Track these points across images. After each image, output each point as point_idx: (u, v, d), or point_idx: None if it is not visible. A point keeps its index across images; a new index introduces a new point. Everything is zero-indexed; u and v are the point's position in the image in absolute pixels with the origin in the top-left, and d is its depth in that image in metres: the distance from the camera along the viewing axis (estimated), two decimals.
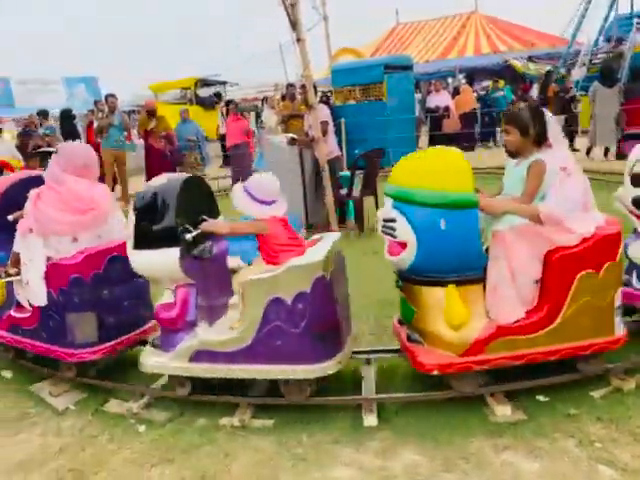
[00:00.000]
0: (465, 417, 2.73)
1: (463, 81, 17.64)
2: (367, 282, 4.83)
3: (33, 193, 3.41)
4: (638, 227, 3.30)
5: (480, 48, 22.18)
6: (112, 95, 9.77)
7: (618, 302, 2.84)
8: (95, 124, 9.99)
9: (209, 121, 14.05)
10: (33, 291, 3.39)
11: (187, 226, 2.95)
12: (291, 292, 2.75)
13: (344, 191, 6.84)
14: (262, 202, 2.97)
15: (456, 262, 2.71)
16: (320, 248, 2.92)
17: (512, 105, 13.88)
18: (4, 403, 3.37)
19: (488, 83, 16.49)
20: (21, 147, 7.79)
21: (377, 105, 11.75)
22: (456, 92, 14.19)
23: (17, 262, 3.54)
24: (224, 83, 18.98)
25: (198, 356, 2.94)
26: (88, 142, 10.36)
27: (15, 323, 3.61)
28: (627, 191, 3.26)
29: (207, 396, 3.07)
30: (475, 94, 15.19)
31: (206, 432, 2.84)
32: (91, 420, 3.08)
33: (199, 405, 3.07)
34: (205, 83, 17.88)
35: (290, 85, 10.62)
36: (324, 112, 6.73)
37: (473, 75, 19.43)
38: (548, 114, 2.97)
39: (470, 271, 2.75)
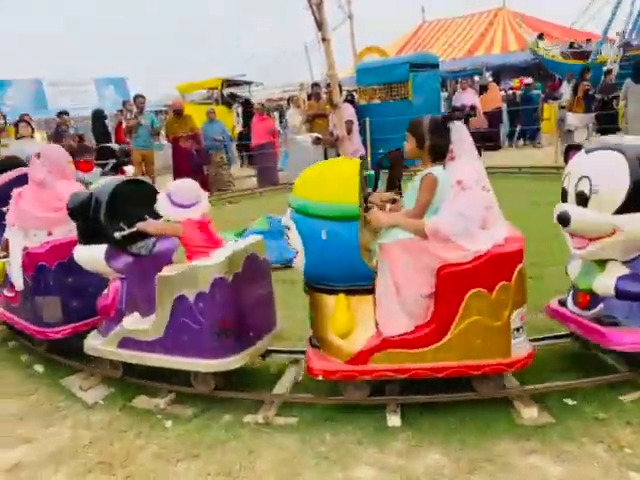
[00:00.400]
0: (491, 419, 2.70)
1: (490, 79, 17.43)
2: None
3: (16, 192, 3.90)
4: (569, 244, 2.98)
5: (508, 45, 21.88)
6: (141, 96, 9.94)
7: (517, 323, 2.73)
8: (124, 124, 10.16)
9: (234, 121, 14.17)
10: (14, 276, 3.87)
11: (122, 225, 3.29)
12: (193, 291, 2.94)
13: (368, 190, 6.82)
14: (180, 206, 3.13)
15: (343, 272, 2.74)
16: (225, 251, 3.05)
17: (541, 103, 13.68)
18: (36, 396, 3.46)
19: (514, 81, 16.31)
20: None
21: (402, 104, 11.67)
22: (483, 90, 13.99)
23: (6, 247, 4.04)
24: (249, 83, 19.09)
25: (124, 343, 3.24)
26: (117, 141, 10.57)
27: (7, 301, 4.14)
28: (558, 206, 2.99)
29: (232, 392, 3.12)
30: (503, 92, 15.00)
31: (231, 428, 2.87)
32: (119, 415, 3.15)
33: (224, 402, 3.11)
34: (231, 83, 18.02)
35: (315, 84, 10.63)
36: (349, 111, 6.74)
37: (500, 73, 19.20)
38: (458, 127, 2.87)
39: (360, 281, 2.76)
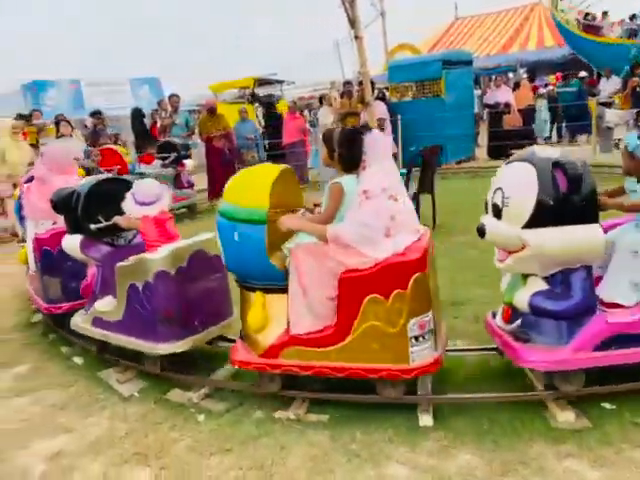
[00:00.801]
0: (525, 421, 2.66)
1: (524, 76, 17.06)
2: None
3: (25, 187, 4.67)
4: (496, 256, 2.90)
5: (544, 40, 21.36)
6: (175, 95, 10.11)
7: (416, 332, 2.73)
8: (159, 123, 10.35)
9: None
10: (29, 259, 4.60)
11: (99, 218, 3.80)
12: (141, 280, 3.33)
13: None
14: (141, 203, 3.57)
15: (257, 271, 2.96)
16: (171, 246, 3.41)
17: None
18: (76, 388, 3.58)
19: (549, 77, 15.89)
20: (92, 146, 8.30)
21: (435, 101, 11.54)
22: (515, 87, 13.74)
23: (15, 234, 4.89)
24: (281, 82, 19.17)
25: (95, 322, 3.73)
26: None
27: (29, 280, 4.91)
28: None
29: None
30: (543, 89, 14.65)
31: (263, 424, 2.91)
32: (154, 407, 3.22)
33: (255, 397, 3.15)
34: (263, 82, 18.13)
35: (347, 82, 10.61)
36: (381, 109, 6.70)
37: (535, 69, 18.77)
38: (371, 137, 2.92)
39: (275, 281, 2.94)
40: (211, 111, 10.38)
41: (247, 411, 3.05)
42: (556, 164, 2.60)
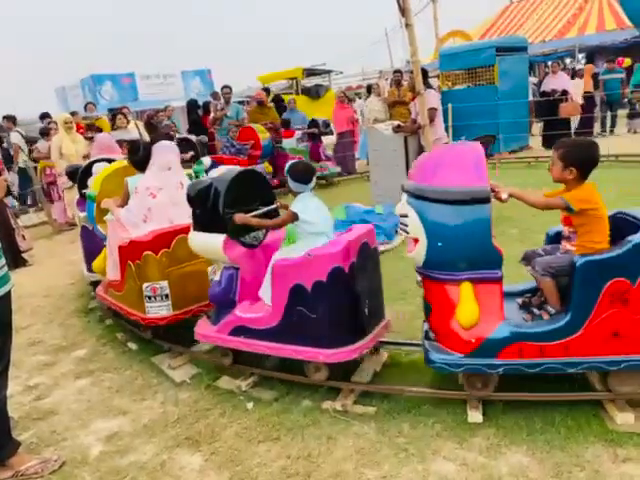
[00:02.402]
0: (581, 422, 2.57)
1: (583, 61, 16.30)
2: None
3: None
4: None
5: (604, 24, 20.31)
6: (227, 86, 10.22)
7: (148, 292, 3.78)
8: (212, 114, 10.52)
9: (315, 110, 14.24)
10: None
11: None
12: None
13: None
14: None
15: None
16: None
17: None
18: (131, 372, 3.73)
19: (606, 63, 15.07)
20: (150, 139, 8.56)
21: (487, 89, 11.22)
22: (574, 75, 13.13)
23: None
24: (329, 72, 19.12)
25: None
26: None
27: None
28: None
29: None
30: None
31: (310, 414, 2.94)
32: (204, 394, 3.31)
33: (303, 387, 3.18)
34: (311, 72, 18.13)
35: (396, 71, 10.45)
36: (433, 98, 6.55)
37: (595, 54, 17.90)
38: (159, 146, 4.07)
39: None
40: (260, 103, 10.47)
41: (295, 400, 3.09)
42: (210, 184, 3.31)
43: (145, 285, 3.74)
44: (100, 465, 2.75)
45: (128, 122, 8.94)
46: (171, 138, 8.06)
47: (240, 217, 3.24)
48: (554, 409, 2.67)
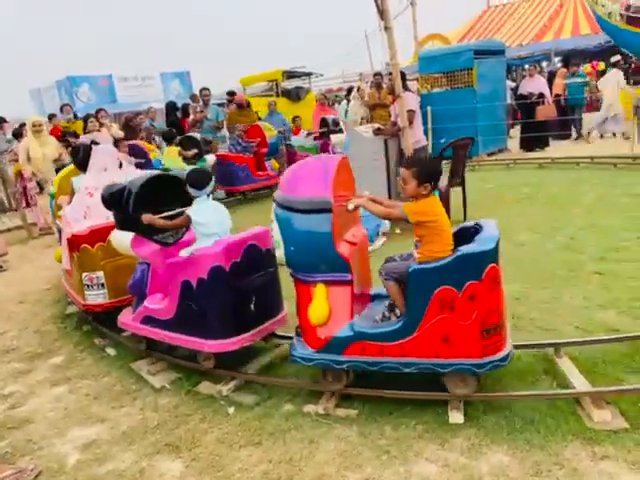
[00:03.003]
0: (559, 421, 2.60)
1: (559, 65, 16.58)
2: None
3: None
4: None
5: (579, 29, 20.72)
6: (206, 89, 10.17)
7: (86, 282, 4.27)
8: (191, 117, 10.45)
9: (295, 112, 14.22)
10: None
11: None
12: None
13: None
14: None
15: None
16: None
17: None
18: (109, 378, 3.67)
19: (585, 67, 15.38)
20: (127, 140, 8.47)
21: (466, 92, 11.35)
22: (551, 77, 13.35)
23: None
24: (309, 74, 19.12)
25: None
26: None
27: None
28: None
29: (291, 381, 3.17)
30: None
31: (292, 417, 2.92)
32: (185, 399, 3.27)
33: (284, 391, 3.16)
34: (291, 75, 18.11)
35: (377, 74, 10.51)
36: (411, 100, 6.59)
37: (570, 58, 18.22)
38: (96, 149, 4.67)
39: None
40: (240, 105, 10.44)
41: (276, 404, 3.07)
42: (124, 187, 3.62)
43: (84, 275, 4.21)
44: (77, 474, 2.70)
45: (102, 125, 8.79)
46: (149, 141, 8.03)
47: (147, 218, 3.53)
48: (534, 408, 2.70)
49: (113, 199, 3.62)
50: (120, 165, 4.84)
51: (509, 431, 2.58)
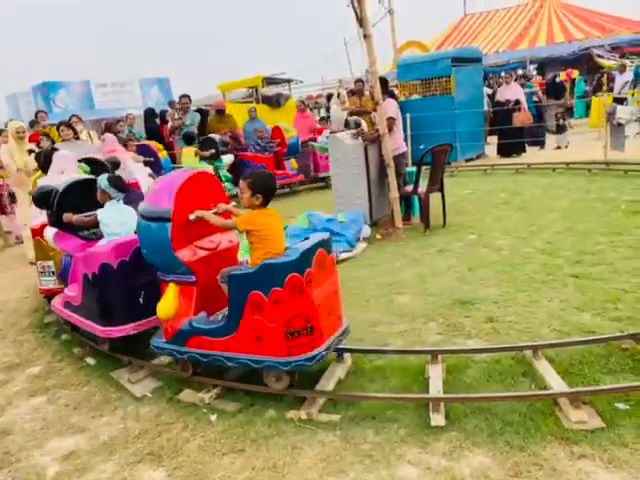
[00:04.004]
0: (538, 422, 2.64)
1: (534, 72, 16.94)
2: (432, 280, 4.78)
3: None
4: None
5: (553, 37, 21.20)
6: (185, 96, 10.15)
7: (40, 269, 4.85)
8: (169, 123, 10.39)
9: (276, 119, 14.24)
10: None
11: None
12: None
13: (409, 187, 6.77)
14: None
15: None
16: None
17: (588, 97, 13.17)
18: (89, 388, 3.61)
19: (560, 74, 15.75)
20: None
21: (444, 99, 11.51)
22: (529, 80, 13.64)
23: None
24: (289, 81, 19.16)
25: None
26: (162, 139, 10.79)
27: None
28: None
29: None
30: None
31: (274, 424, 2.91)
32: (166, 408, 3.24)
33: (267, 397, 3.15)
34: (271, 81, 18.12)
35: (358, 80, 10.60)
36: (391, 107, 6.66)
37: (545, 65, 18.64)
38: (58, 154, 5.33)
39: None
40: (220, 112, 10.42)
41: (259, 411, 3.06)
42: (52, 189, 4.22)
43: (38, 263, 4.82)
44: None
45: (75, 133, 8.57)
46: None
47: (66, 216, 4.10)
48: (513, 410, 2.74)
49: (42, 199, 4.22)
50: (117, 166, 5.52)
51: (489, 433, 2.62)
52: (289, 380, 3.04)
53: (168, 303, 3.25)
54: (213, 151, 9.17)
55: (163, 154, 8.93)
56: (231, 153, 9.89)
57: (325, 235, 3.19)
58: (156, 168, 8.45)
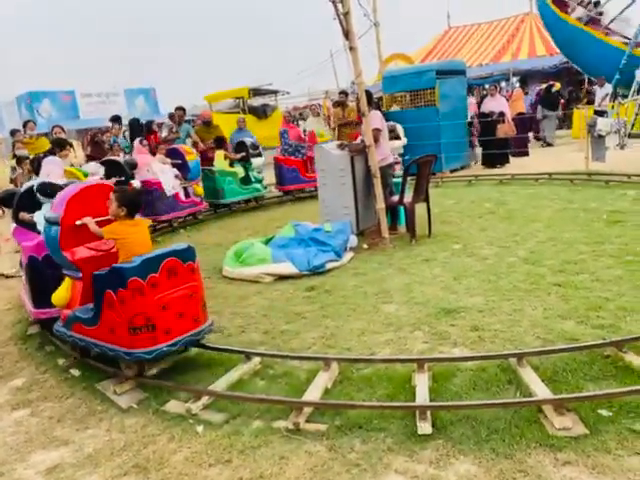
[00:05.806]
0: (523, 429, 2.67)
1: (517, 85, 17.23)
2: (418, 289, 4.81)
3: None
4: None
5: (535, 50, 21.61)
6: (180, 108, 10.31)
7: None
8: (162, 134, 10.48)
9: (262, 129, 14.31)
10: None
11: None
12: None
13: (395, 197, 6.82)
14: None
15: None
16: None
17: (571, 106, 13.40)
18: (73, 400, 3.56)
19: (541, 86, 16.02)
20: (93, 157, 8.38)
21: (429, 111, 11.65)
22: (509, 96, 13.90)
23: None
24: (276, 92, 19.27)
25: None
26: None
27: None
28: None
29: (262, 396, 3.16)
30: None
31: (261, 434, 2.90)
32: (152, 419, 3.21)
33: (254, 407, 3.14)
34: (257, 92, 18.21)
35: (342, 92, 10.72)
36: (376, 119, 6.73)
37: (527, 78, 18.95)
38: (45, 161, 5.88)
39: None
40: (206, 123, 10.46)
41: (246, 421, 3.05)
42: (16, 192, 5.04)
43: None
44: None
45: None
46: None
47: (22, 215, 4.86)
48: (499, 417, 2.77)
49: (5, 199, 5.08)
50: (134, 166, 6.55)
51: (475, 440, 2.64)
52: (137, 369, 3.58)
53: (61, 293, 3.90)
54: (243, 154, 10.03)
55: (192, 157, 9.37)
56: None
57: (183, 246, 3.58)
58: (184, 170, 9.18)
